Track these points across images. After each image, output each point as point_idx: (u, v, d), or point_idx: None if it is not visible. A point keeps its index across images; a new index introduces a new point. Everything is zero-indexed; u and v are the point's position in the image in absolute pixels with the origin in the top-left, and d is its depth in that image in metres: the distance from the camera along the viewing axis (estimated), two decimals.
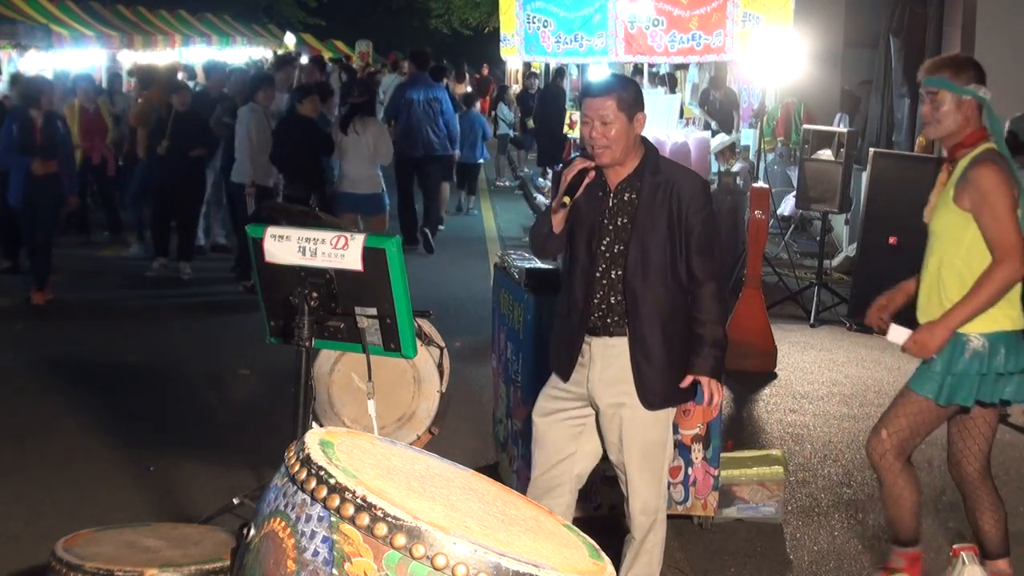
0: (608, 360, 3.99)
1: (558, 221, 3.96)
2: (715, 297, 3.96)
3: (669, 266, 3.91)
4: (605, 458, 5.09)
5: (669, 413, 4.05)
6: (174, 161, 10.31)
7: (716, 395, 3.96)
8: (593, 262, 3.97)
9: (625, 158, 3.94)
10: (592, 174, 3.92)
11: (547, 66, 21.11)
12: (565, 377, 4.06)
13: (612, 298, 3.96)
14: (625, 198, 3.96)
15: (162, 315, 9.33)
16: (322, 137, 9.91)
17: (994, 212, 3.97)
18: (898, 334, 4.18)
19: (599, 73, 12.57)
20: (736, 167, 11.20)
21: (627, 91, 3.93)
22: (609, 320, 3.98)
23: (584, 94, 4.05)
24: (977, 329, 4.08)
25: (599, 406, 4.04)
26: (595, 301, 3.97)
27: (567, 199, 3.88)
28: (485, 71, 29.92)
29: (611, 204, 3.97)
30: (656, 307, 3.91)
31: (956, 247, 4.09)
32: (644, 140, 4.03)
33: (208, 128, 11.00)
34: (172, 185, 10.41)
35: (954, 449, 4.34)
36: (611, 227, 3.96)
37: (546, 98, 17.79)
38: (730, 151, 11.31)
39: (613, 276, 3.95)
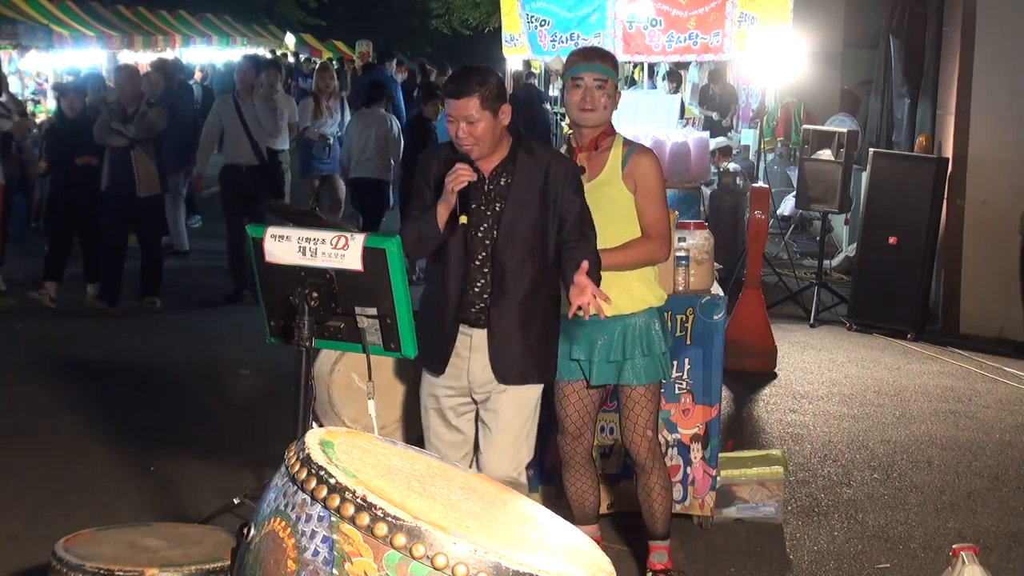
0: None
1: (443, 224, 3.88)
2: (593, 251, 3.90)
3: (539, 244, 3.91)
4: (604, 456, 5.10)
5: (534, 397, 4.03)
6: (64, 172, 9.29)
7: (598, 299, 3.67)
8: (469, 251, 3.92)
9: (494, 150, 3.93)
10: (474, 176, 3.87)
11: (545, 67, 21.07)
12: (438, 372, 4.02)
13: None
14: (501, 183, 3.95)
15: (162, 315, 9.32)
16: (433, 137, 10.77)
17: (657, 198, 4.29)
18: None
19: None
20: (731, 168, 11.23)
21: (488, 88, 3.86)
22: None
23: (446, 95, 3.97)
24: (649, 306, 4.32)
25: (477, 397, 4.03)
26: (474, 291, 3.92)
27: (464, 218, 3.85)
28: None
29: (487, 190, 3.94)
30: (520, 281, 3.90)
31: (632, 226, 4.28)
32: (513, 127, 4.00)
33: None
34: (65, 199, 9.34)
35: (627, 428, 4.45)
36: (488, 213, 3.93)
37: (517, 104, 17.97)
38: (722, 153, 11.35)
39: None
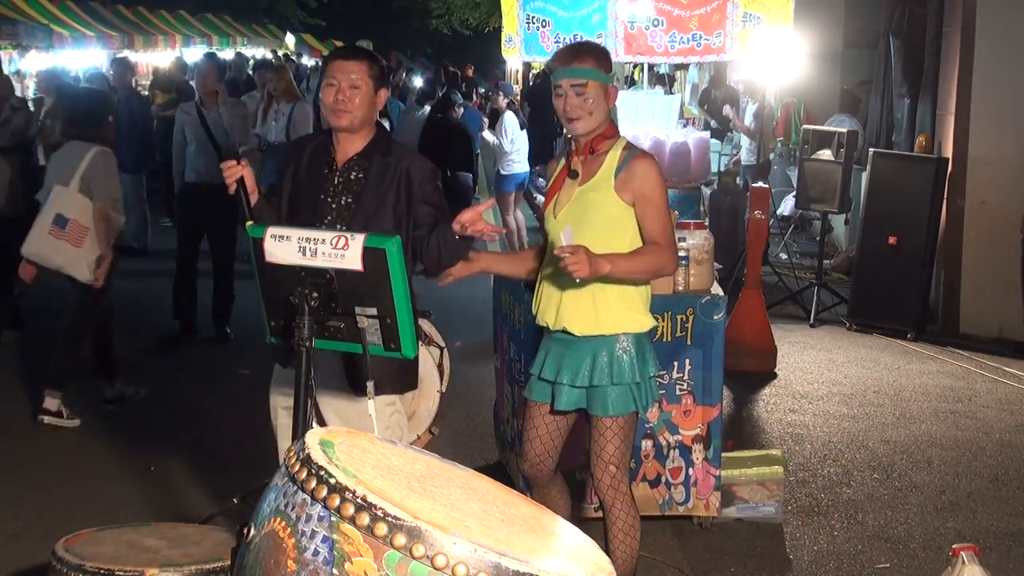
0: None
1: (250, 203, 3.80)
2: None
3: None
4: None
5: (388, 408, 3.90)
6: None
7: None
8: None
9: (361, 127, 3.86)
10: (234, 185, 3.73)
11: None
12: (284, 364, 3.90)
13: None
14: (351, 177, 3.86)
15: (161, 314, 9.32)
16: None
17: (660, 207, 3.92)
18: (568, 236, 3.77)
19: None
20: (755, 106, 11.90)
21: (377, 63, 3.89)
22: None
23: (333, 57, 3.92)
24: (624, 331, 3.95)
25: (326, 413, 3.88)
26: None
27: (250, 223, 3.59)
28: (470, 71, 29.75)
29: (336, 182, 3.86)
30: None
31: (620, 242, 3.91)
32: (378, 123, 3.95)
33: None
34: None
35: (591, 457, 4.07)
36: (334, 206, 3.85)
37: (534, 98, 17.93)
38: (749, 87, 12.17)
39: None
